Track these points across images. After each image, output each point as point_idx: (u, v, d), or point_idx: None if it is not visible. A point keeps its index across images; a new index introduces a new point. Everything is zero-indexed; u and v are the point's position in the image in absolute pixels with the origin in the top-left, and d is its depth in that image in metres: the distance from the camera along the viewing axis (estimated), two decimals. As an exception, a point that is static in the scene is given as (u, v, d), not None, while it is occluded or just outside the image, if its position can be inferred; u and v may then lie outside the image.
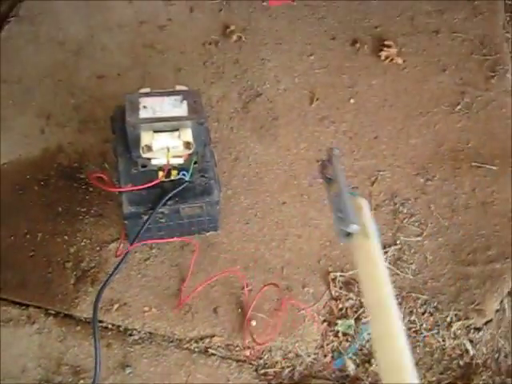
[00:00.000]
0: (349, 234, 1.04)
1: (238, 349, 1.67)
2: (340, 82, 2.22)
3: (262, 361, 1.67)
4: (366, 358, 1.68)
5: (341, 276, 1.77)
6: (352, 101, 2.17)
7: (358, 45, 2.34)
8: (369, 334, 1.63)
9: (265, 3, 2.41)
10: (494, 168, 2.01)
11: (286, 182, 1.93)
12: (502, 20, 2.46)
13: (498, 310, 1.76)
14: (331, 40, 2.35)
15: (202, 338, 1.65)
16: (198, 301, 1.69)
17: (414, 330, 1.73)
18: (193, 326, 1.66)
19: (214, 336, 1.65)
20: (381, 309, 0.93)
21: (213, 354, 1.64)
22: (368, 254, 1.01)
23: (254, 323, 1.66)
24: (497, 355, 1.69)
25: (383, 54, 2.31)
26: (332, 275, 1.77)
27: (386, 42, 2.34)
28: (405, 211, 1.91)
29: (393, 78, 2.25)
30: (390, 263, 1.81)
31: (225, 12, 2.40)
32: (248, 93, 2.15)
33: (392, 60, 2.30)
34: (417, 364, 1.66)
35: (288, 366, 1.66)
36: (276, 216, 1.87)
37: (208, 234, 1.79)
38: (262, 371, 1.64)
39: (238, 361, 1.64)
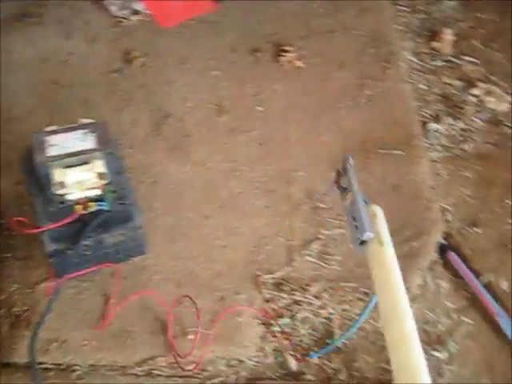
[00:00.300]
0: (363, 242, 1.02)
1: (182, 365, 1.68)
2: (245, 91, 2.28)
3: (207, 373, 1.69)
4: (306, 353, 1.72)
5: (270, 278, 1.82)
6: (259, 108, 2.24)
7: (258, 54, 2.41)
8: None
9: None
10: (401, 153, 2.12)
11: (206, 196, 1.97)
12: (390, 13, 2.58)
13: (421, 285, 1.84)
14: (232, 53, 2.42)
15: (144, 361, 1.67)
16: (135, 325, 1.70)
17: (347, 317, 1.77)
18: (133, 350, 1.68)
19: (155, 357, 1.67)
20: (395, 313, 0.95)
21: (158, 375, 1.66)
22: (383, 260, 1.02)
23: (191, 337, 1.68)
24: (426, 327, 1.77)
25: (283, 59, 2.39)
26: (262, 278, 1.82)
27: (284, 48, 2.43)
28: (323, 206, 1.98)
29: (295, 81, 2.33)
30: (315, 258, 1.86)
31: (124, 39, 2.43)
32: (157, 115, 2.19)
33: (292, 64, 2.37)
34: (355, 348, 1.72)
35: (233, 373, 1.70)
36: (200, 231, 1.91)
37: (136, 258, 1.81)
38: (209, 382, 1.67)
39: (183, 377, 1.66)
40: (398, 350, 0.91)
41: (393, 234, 1.79)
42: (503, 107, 2.38)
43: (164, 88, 2.29)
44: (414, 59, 2.48)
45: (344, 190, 1.19)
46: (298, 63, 2.40)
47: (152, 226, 1.90)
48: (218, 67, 2.36)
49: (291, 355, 1.73)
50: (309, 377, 1.69)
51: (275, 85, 2.32)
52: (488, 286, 1.90)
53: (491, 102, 2.38)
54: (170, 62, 2.38)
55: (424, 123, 2.26)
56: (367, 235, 1.01)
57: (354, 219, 1.08)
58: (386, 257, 1.00)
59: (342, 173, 1.17)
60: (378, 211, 1.08)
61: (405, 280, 1.69)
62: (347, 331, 1.76)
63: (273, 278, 1.83)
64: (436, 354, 1.73)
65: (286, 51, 2.43)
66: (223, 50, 2.42)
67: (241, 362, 1.71)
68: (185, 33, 2.48)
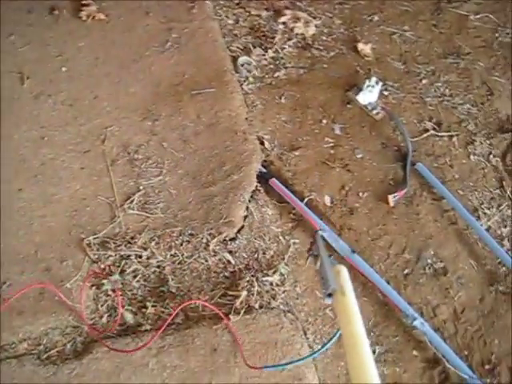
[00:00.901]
0: (330, 294, 1.25)
1: (13, 346, 1.62)
2: (47, 53, 2.18)
3: (41, 346, 1.63)
4: (142, 304, 1.71)
5: (95, 239, 1.78)
6: (64, 69, 2.15)
7: (56, 12, 2.29)
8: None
9: None
10: (213, 90, 2.11)
11: (16, 168, 1.88)
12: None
13: (246, 216, 1.86)
14: (28, 14, 2.28)
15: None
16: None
17: (177, 262, 1.77)
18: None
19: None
20: (355, 347, 1.16)
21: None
22: (345, 307, 1.23)
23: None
24: (256, 255, 1.80)
25: (83, 13, 2.30)
26: (86, 241, 1.77)
27: (83, 2, 2.32)
28: (140, 157, 1.95)
29: (99, 35, 2.25)
30: (138, 210, 1.83)
31: None
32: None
33: (94, 17, 2.29)
34: (188, 290, 1.73)
35: (69, 341, 1.65)
36: (16, 204, 1.83)
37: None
38: (45, 356, 1.62)
39: (16, 357, 1.60)
40: (358, 370, 1.13)
41: (214, 171, 1.81)
42: (311, 31, 2.41)
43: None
44: (220, -5, 2.45)
45: (315, 256, 1.44)
46: (101, 16, 2.31)
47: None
48: (14, 31, 2.22)
49: (127, 310, 1.69)
50: (147, 327, 1.66)
51: (79, 42, 2.24)
52: (311, 205, 1.95)
53: (299, 28, 2.39)
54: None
55: (234, 58, 2.25)
56: (332, 288, 1.26)
57: (323, 278, 1.32)
58: (348, 304, 1.24)
59: (313, 242, 1.50)
60: (342, 269, 1.32)
61: (228, 215, 1.74)
62: (304, 357, 1.67)
63: (97, 238, 1.79)
64: (268, 278, 1.76)
65: (86, 5, 2.33)
66: (18, 13, 2.27)
67: (75, 327, 1.66)
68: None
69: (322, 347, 1.64)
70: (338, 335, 1.64)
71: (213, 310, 1.67)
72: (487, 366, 1.75)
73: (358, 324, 1.21)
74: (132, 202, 1.84)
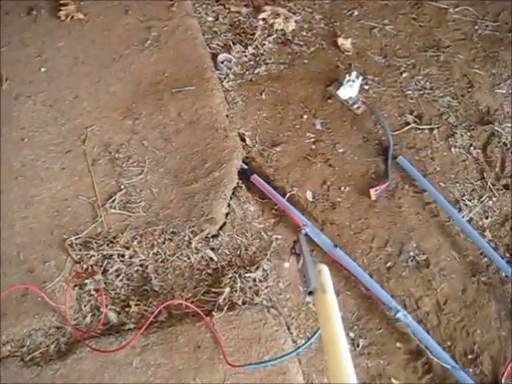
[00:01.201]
0: (311, 292, 1.29)
1: (-3, 348, 1.62)
2: (26, 54, 2.17)
3: (25, 348, 1.63)
4: (125, 303, 1.71)
5: (77, 239, 1.78)
6: (43, 69, 2.14)
7: (34, 12, 2.28)
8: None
9: None
10: (193, 88, 2.11)
11: (-4, 171, 1.87)
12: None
13: (228, 213, 1.87)
14: (6, 15, 2.26)
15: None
16: None
17: (160, 260, 1.77)
18: None
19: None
20: (334, 343, 1.21)
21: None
22: (325, 306, 1.27)
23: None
24: (238, 252, 1.81)
25: (62, 13, 2.29)
26: (68, 241, 1.77)
27: (62, 1, 2.31)
28: (121, 156, 1.95)
29: (78, 35, 2.25)
30: (119, 209, 1.83)
31: None
32: None
33: (73, 17, 2.28)
34: (171, 288, 1.73)
35: (52, 342, 1.65)
36: (-3, 207, 1.81)
37: None
38: (29, 357, 1.62)
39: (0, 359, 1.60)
40: (335, 372, 1.17)
41: (195, 169, 1.82)
42: (291, 27, 2.41)
43: None
44: (199, -8, 2.45)
45: (298, 255, 1.46)
46: (79, 15, 2.30)
47: None
48: (-9, 33, 2.21)
49: (110, 309, 1.70)
50: (130, 326, 1.67)
51: (58, 42, 2.23)
52: (293, 200, 1.95)
53: (279, 24, 2.40)
54: None
55: (215, 55, 2.25)
56: (313, 286, 1.30)
57: (305, 276, 1.35)
58: (328, 302, 1.28)
59: (296, 241, 1.48)
60: (323, 268, 1.37)
61: (210, 212, 1.74)
62: (283, 355, 1.67)
63: (79, 238, 1.79)
64: (251, 274, 1.76)
65: (65, 5, 2.32)
66: (-4, 14, 2.26)
67: (59, 328, 1.66)
68: None
69: (304, 344, 1.65)
70: (319, 333, 1.65)
71: (198, 307, 1.66)
72: (470, 356, 1.76)
73: (336, 322, 1.25)
74: (114, 201, 1.84)
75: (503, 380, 1.73)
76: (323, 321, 1.27)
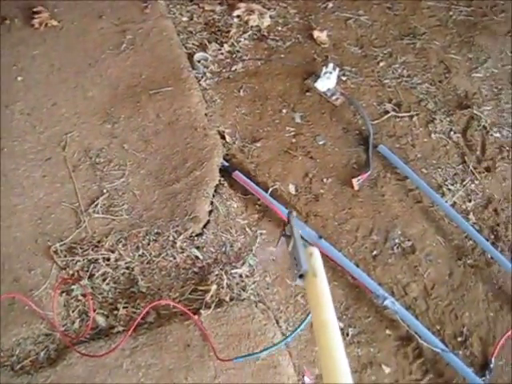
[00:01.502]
0: (302, 276, 1.23)
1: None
2: (1, 64, 2.17)
3: (14, 357, 1.63)
4: (113, 306, 1.71)
5: (61, 245, 1.78)
6: (19, 78, 2.14)
7: (7, 21, 2.28)
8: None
9: None
10: (170, 89, 2.11)
11: (-23, 182, 1.87)
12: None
13: (211, 211, 1.87)
14: (-21, 26, 2.25)
15: None
16: None
17: (146, 261, 1.77)
18: None
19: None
20: (325, 329, 1.15)
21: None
22: (316, 289, 1.21)
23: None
24: (223, 248, 1.81)
25: (36, 21, 2.29)
26: (53, 248, 1.77)
27: (35, 9, 2.30)
28: (102, 161, 1.95)
29: (53, 42, 2.25)
30: (103, 214, 1.83)
31: None
32: None
33: (47, 25, 2.28)
34: (159, 289, 1.75)
35: (42, 350, 1.65)
36: (-21, 217, 1.81)
37: None
38: (19, 366, 1.62)
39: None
40: (326, 357, 1.11)
41: (176, 169, 1.82)
42: (266, 22, 2.42)
43: None
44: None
45: (288, 237, 1.38)
46: (53, 22, 2.30)
47: None
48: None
49: (98, 313, 1.70)
50: (119, 328, 1.67)
51: (33, 50, 2.23)
52: (276, 194, 1.96)
53: (254, 20, 2.40)
54: None
55: (191, 54, 2.25)
56: (303, 269, 1.24)
57: (295, 259, 1.29)
58: (319, 286, 1.22)
59: (286, 223, 1.40)
60: (314, 251, 1.30)
61: (193, 211, 1.74)
62: (271, 346, 1.66)
63: (64, 244, 1.79)
64: (237, 270, 1.77)
65: (38, 12, 2.32)
66: (-32, 26, 2.25)
67: (47, 335, 1.66)
68: None
69: (292, 333, 1.65)
70: (308, 319, 1.65)
71: (186, 306, 1.67)
72: (459, 339, 1.78)
73: (328, 306, 1.21)
74: (96, 205, 1.84)
75: (493, 360, 1.73)
76: (313, 305, 1.23)
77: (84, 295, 1.71)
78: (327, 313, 1.20)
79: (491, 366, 1.72)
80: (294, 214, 1.42)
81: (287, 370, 1.60)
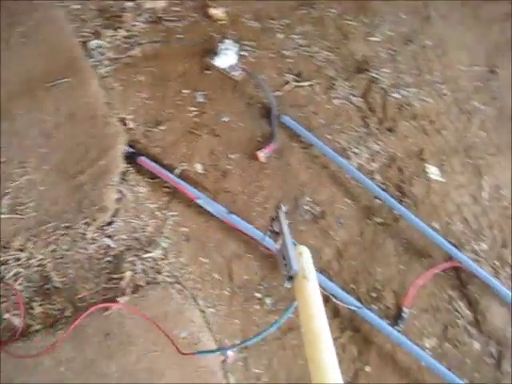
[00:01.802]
0: (291, 277, 1.16)
1: None
2: None
3: None
4: (29, 306, 1.69)
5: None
6: None
7: None
8: None
9: None
10: (67, 80, 2.07)
11: None
12: None
13: (119, 199, 1.86)
14: None
15: None
16: None
17: (58, 256, 1.76)
18: None
19: None
20: (314, 333, 1.09)
21: None
22: (307, 291, 1.14)
23: None
24: (135, 234, 1.83)
25: None
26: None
27: None
28: (2, 160, 1.93)
29: None
30: (8, 214, 1.79)
31: None
32: None
33: None
34: (74, 282, 1.74)
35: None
36: None
37: None
38: None
39: None
40: (314, 357, 1.07)
41: (80, 161, 1.80)
42: (161, 4, 2.40)
43: None
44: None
45: (276, 234, 1.29)
46: None
47: None
48: None
49: (14, 315, 1.68)
50: (36, 327, 1.65)
51: None
52: (184, 175, 1.97)
53: (148, 3, 2.38)
54: None
55: (85, 43, 2.21)
56: (294, 271, 1.16)
57: (284, 258, 1.20)
58: (310, 288, 1.16)
59: (274, 219, 1.30)
60: (304, 250, 1.23)
61: (101, 200, 1.73)
62: (260, 334, 1.49)
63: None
64: (150, 255, 1.78)
65: None
66: None
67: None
68: None
69: (276, 323, 1.54)
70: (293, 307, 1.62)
71: (102, 296, 1.67)
72: (373, 294, 1.85)
73: (319, 312, 1.15)
74: (1, 206, 1.80)
75: (405, 309, 1.82)
76: (304, 308, 1.16)
77: (-3, 298, 1.68)
78: (317, 315, 1.14)
79: (403, 315, 1.80)
80: (284, 208, 1.33)
81: (208, 344, 1.63)
